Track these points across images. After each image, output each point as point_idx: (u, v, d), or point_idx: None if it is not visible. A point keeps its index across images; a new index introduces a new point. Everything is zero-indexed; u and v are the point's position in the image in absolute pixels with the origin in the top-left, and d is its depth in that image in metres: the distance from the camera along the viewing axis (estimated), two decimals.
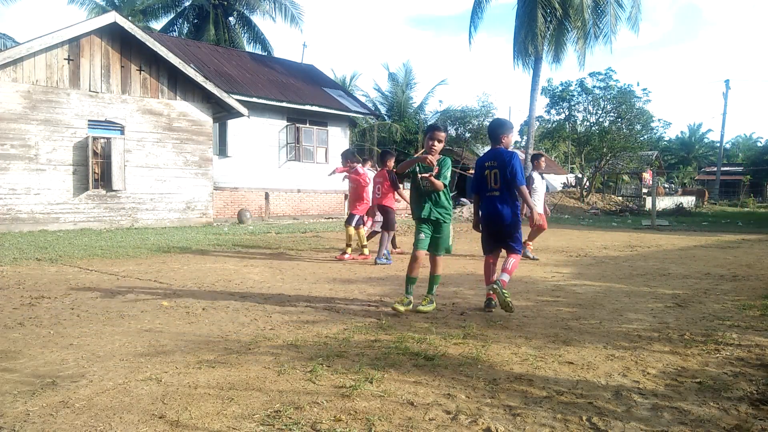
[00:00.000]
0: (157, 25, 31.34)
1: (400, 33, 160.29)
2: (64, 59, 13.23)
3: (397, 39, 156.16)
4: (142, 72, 14.46)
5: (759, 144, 66.87)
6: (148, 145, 14.50)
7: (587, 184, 31.49)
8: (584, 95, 29.43)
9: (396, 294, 5.75)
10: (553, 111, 31.21)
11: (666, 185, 44.04)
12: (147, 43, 14.08)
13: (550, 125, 32.35)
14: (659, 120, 32.83)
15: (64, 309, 4.86)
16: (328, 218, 19.93)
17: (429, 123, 35.00)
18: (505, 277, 4.86)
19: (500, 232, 5.05)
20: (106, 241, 10.58)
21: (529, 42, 23.62)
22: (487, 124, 34.46)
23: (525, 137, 30.89)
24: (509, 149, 5.16)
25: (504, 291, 4.71)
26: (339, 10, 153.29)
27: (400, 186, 8.77)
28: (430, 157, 4.75)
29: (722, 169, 45.02)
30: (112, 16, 13.74)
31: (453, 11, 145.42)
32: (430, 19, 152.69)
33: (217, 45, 25.84)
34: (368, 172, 9.03)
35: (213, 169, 15.96)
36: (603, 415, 2.64)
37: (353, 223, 8.72)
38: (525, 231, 5.86)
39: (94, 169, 13.62)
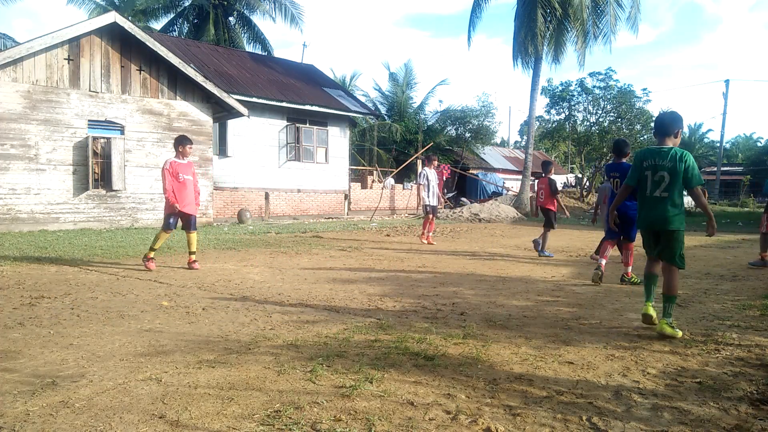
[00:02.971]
0: (157, 25, 31.31)
1: (401, 33, 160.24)
2: (64, 59, 13.22)
3: (398, 39, 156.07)
4: (142, 72, 14.45)
5: (759, 144, 66.85)
6: (148, 145, 14.49)
7: (587, 184, 31.49)
8: (584, 95, 29.44)
9: (396, 293, 5.75)
10: (553, 111, 31.22)
11: None
12: (147, 43, 14.07)
13: (550, 125, 32.34)
14: None
15: (64, 309, 4.86)
16: (328, 218, 19.94)
17: (428, 123, 35.09)
18: (629, 269, 6.75)
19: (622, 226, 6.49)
20: (106, 241, 10.57)
21: (528, 42, 23.62)
22: (487, 124, 34.52)
23: (525, 137, 30.88)
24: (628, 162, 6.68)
25: (629, 278, 6.66)
26: (339, 10, 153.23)
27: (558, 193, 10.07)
28: None
29: (722, 169, 45.04)
30: (112, 16, 13.72)
31: (453, 10, 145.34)
32: (430, 19, 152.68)
33: (217, 45, 25.83)
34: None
35: (213, 169, 15.94)
36: (603, 415, 2.64)
37: (194, 227, 7.60)
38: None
39: (94, 169, 13.62)
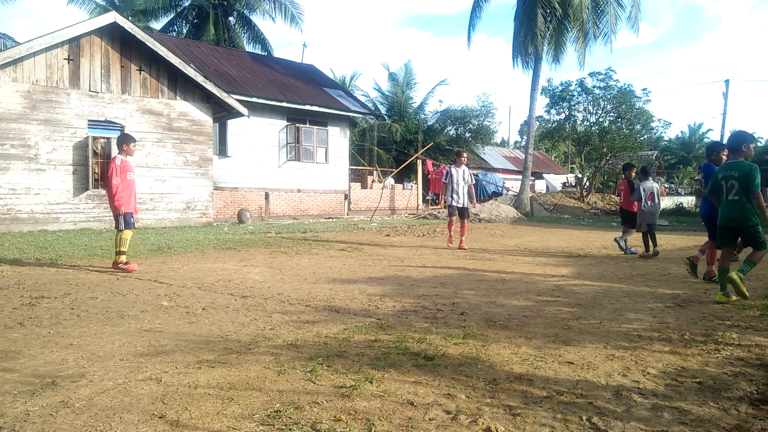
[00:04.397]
0: (157, 25, 31.32)
1: (401, 33, 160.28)
2: (64, 59, 13.22)
3: (398, 39, 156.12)
4: (142, 72, 14.45)
5: (759, 144, 66.80)
6: (148, 145, 14.49)
7: (587, 184, 31.49)
8: (584, 95, 29.41)
9: (396, 293, 5.75)
10: (553, 111, 31.19)
11: (667, 185, 44.00)
12: (147, 43, 14.07)
13: (550, 125, 32.32)
14: (659, 120, 32.80)
15: (64, 309, 4.86)
16: (328, 218, 19.94)
17: (428, 123, 35.09)
18: (713, 268, 6.80)
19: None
20: (106, 241, 10.57)
21: (528, 42, 23.62)
22: (487, 124, 34.52)
23: (525, 137, 30.88)
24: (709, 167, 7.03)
25: (712, 276, 6.77)
26: (339, 10, 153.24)
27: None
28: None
29: None
30: (112, 16, 13.72)
31: (453, 10, 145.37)
32: (431, 19, 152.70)
33: (217, 45, 25.83)
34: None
35: (213, 169, 15.94)
36: (603, 415, 2.64)
37: (132, 225, 7.52)
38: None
39: (94, 169, 13.62)
